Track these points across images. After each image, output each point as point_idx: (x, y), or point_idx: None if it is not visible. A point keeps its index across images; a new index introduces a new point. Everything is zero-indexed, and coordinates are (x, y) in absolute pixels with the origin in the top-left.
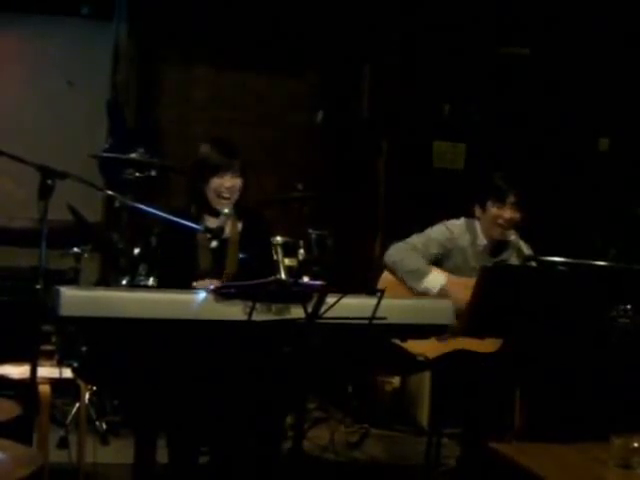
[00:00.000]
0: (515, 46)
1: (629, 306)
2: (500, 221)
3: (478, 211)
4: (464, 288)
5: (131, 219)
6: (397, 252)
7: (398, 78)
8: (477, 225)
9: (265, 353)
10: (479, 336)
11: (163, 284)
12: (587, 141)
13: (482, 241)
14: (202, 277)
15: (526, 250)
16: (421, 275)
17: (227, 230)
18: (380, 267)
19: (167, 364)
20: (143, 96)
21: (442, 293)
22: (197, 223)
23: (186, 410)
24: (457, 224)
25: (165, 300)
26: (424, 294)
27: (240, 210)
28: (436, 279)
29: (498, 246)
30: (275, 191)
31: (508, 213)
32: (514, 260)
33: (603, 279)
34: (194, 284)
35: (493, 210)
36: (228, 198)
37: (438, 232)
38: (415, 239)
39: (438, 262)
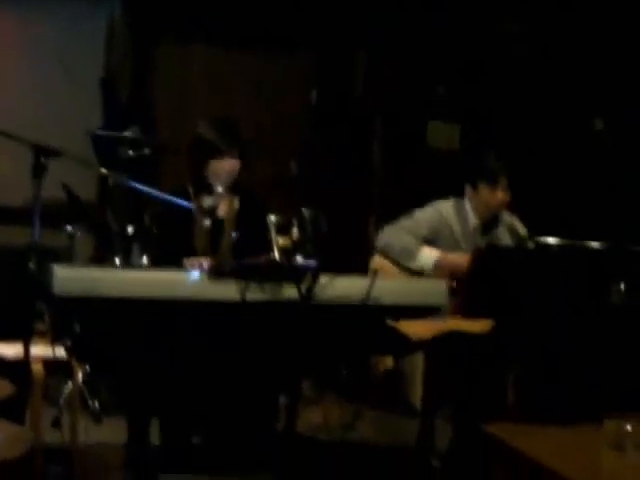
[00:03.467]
0: (510, 25)
1: (622, 285)
2: (492, 203)
3: (469, 191)
4: (460, 257)
5: (125, 198)
6: (388, 234)
7: (392, 59)
8: (467, 205)
9: (258, 333)
10: (472, 317)
11: (159, 262)
12: (582, 121)
13: (473, 220)
14: (197, 256)
15: (522, 231)
16: (413, 253)
17: (221, 209)
18: (374, 246)
19: (160, 343)
20: (137, 75)
21: (438, 265)
22: (192, 203)
23: (179, 390)
24: (446, 204)
25: (159, 280)
26: (420, 271)
27: (237, 190)
28: (429, 255)
29: (489, 225)
30: (269, 171)
31: (500, 195)
32: (506, 239)
33: (597, 259)
34: (185, 261)
35: (485, 192)
36: (226, 181)
37: (427, 213)
38: (404, 221)
39: (428, 243)
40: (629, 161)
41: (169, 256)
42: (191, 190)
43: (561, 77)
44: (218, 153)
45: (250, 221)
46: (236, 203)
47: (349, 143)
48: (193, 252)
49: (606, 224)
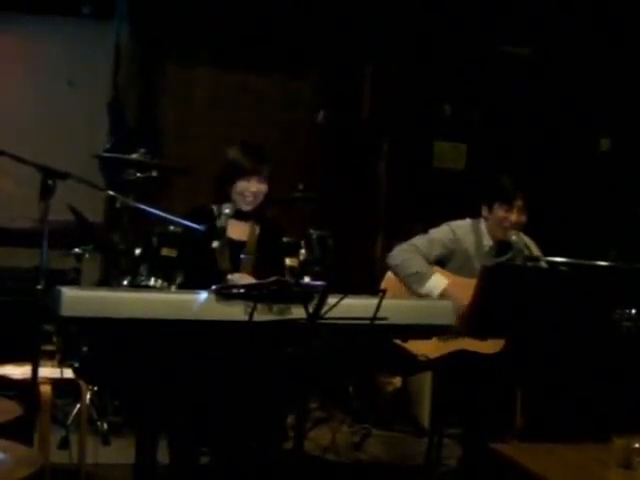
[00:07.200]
0: (515, 46)
1: (634, 310)
2: (506, 224)
3: (485, 212)
4: (467, 289)
5: (132, 219)
6: (400, 254)
7: (399, 78)
8: (483, 226)
9: (266, 354)
10: (480, 337)
11: (187, 285)
12: (588, 141)
13: (488, 242)
14: (222, 278)
15: (535, 250)
16: (423, 278)
17: (242, 232)
18: (381, 267)
19: (168, 364)
20: (144, 96)
21: (443, 295)
22: (211, 223)
23: (187, 410)
24: (462, 225)
25: (166, 300)
26: (426, 297)
27: (260, 217)
28: (438, 282)
29: (503, 247)
30: (276, 191)
31: (515, 216)
32: (520, 260)
33: (605, 279)
34: (229, 277)
35: (500, 212)
36: (251, 202)
37: (442, 233)
38: (418, 241)
39: (441, 263)
40: (637, 180)
41: (196, 279)
42: (215, 211)
43: (567, 97)
44: (246, 173)
45: (270, 248)
46: (257, 229)
47: (355, 163)
48: (218, 274)
49: (615, 243)
